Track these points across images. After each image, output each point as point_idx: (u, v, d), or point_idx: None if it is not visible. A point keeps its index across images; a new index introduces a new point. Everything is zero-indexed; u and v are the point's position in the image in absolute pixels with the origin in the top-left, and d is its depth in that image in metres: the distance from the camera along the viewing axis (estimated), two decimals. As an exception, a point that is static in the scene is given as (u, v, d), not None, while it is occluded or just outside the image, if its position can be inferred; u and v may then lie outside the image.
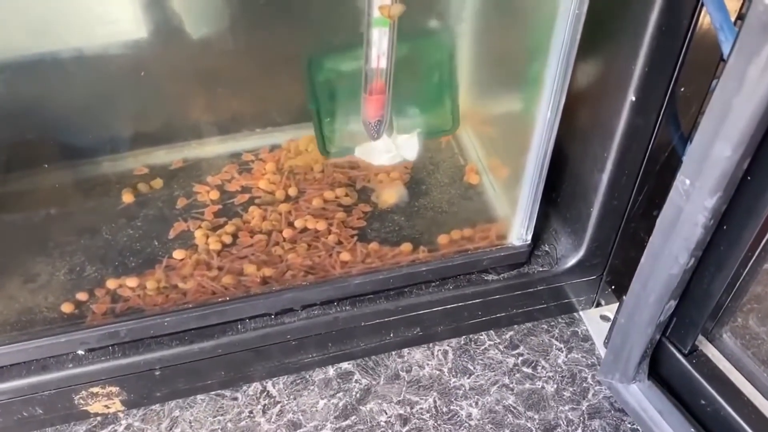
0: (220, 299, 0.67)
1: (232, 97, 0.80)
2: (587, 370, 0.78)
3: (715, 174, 0.49)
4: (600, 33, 0.58)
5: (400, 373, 0.78)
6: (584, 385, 0.77)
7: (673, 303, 0.60)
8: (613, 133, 0.62)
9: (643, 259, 0.59)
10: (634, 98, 0.59)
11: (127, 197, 0.77)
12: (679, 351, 0.66)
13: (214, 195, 0.78)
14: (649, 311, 0.60)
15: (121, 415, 0.74)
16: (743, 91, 0.43)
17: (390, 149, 0.75)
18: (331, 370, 0.78)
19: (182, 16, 0.67)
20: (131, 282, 0.69)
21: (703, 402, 0.64)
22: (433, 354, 0.80)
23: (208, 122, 0.81)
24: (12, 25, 0.65)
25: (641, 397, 0.68)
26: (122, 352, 0.67)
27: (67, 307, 0.67)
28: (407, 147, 0.77)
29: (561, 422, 0.73)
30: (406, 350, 0.80)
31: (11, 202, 0.75)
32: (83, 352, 0.66)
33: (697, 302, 0.61)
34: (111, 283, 0.69)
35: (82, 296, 0.68)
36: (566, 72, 0.56)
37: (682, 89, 0.59)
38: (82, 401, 0.68)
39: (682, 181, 0.52)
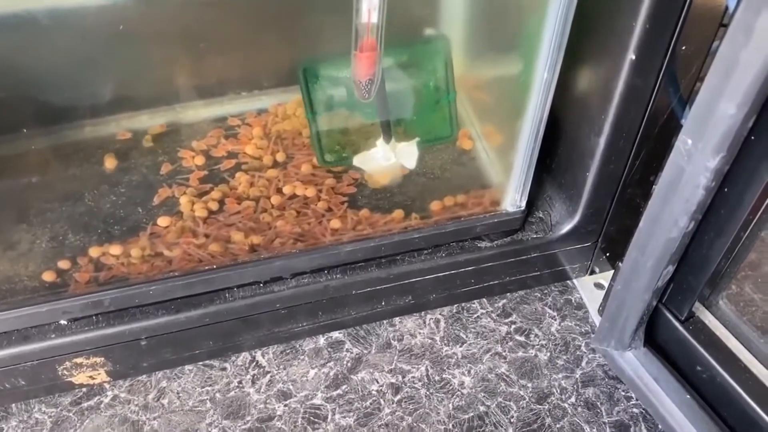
0: (206, 267, 0.66)
1: (218, 59, 0.77)
2: (581, 338, 0.77)
3: (718, 133, 0.47)
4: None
5: (392, 341, 0.77)
6: (578, 353, 0.76)
7: (671, 268, 0.58)
8: (612, 94, 0.60)
9: (641, 223, 0.58)
10: (634, 57, 0.57)
11: (110, 162, 0.74)
12: (676, 317, 0.65)
13: (200, 160, 0.75)
14: (647, 276, 0.59)
15: (107, 386, 0.72)
16: (751, 44, 0.41)
17: (389, 158, 0.74)
18: (321, 340, 0.77)
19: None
20: (115, 250, 0.67)
21: (699, 368, 0.63)
22: (425, 322, 0.79)
23: (192, 85, 0.79)
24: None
25: (637, 364, 0.67)
26: (106, 322, 0.65)
27: (48, 276, 0.65)
28: (406, 155, 0.76)
29: (554, 390, 0.73)
30: (397, 319, 0.79)
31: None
32: (66, 322, 0.65)
33: (695, 268, 0.60)
34: (94, 251, 0.67)
35: (64, 264, 0.66)
36: (564, 28, 0.54)
37: (683, 48, 0.57)
38: (66, 372, 0.67)
39: (683, 141, 0.50)
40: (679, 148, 0.51)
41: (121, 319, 0.65)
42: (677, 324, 0.64)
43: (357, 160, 0.75)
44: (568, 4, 0.53)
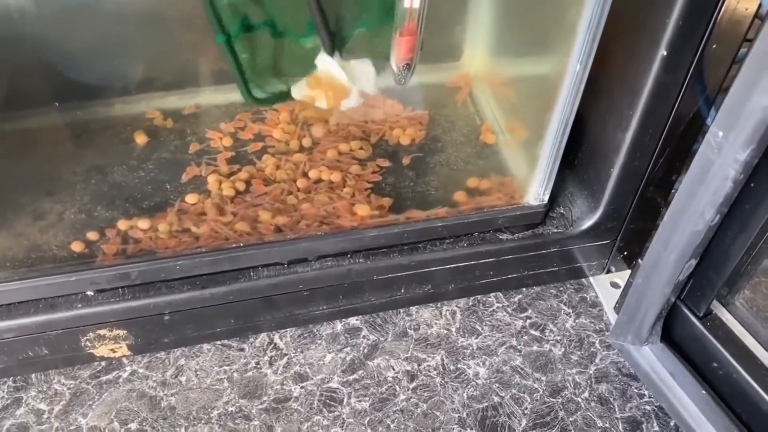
0: (233, 245, 0.66)
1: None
2: (595, 336, 0.78)
3: (750, 126, 0.48)
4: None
5: (408, 330, 0.78)
6: (592, 349, 0.77)
7: (693, 262, 0.59)
8: (641, 90, 0.61)
9: (666, 216, 0.59)
10: (665, 53, 0.58)
11: (140, 139, 0.75)
12: (694, 314, 0.65)
13: (227, 142, 0.76)
14: (669, 270, 0.60)
15: (125, 361, 0.73)
16: (790, 36, 0.42)
17: (338, 74, 0.61)
18: (339, 325, 0.77)
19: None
20: (143, 224, 0.68)
21: (715, 365, 0.64)
22: (441, 313, 0.79)
23: (221, 70, 0.80)
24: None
25: (653, 359, 0.68)
26: (132, 295, 0.66)
27: (77, 246, 0.66)
28: (362, 77, 0.63)
29: (568, 384, 0.73)
30: (414, 309, 0.79)
31: (23, 139, 0.74)
32: (92, 293, 0.65)
33: (716, 264, 0.61)
34: (122, 224, 0.68)
35: (92, 236, 0.67)
36: (600, 21, 0.55)
37: (713, 47, 0.58)
38: (88, 343, 0.67)
39: (714, 133, 0.51)
40: (709, 141, 0.52)
41: (146, 293, 0.66)
42: (695, 320, 0.65)
43: (297, 91, 0.62)
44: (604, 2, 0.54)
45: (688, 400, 0.64)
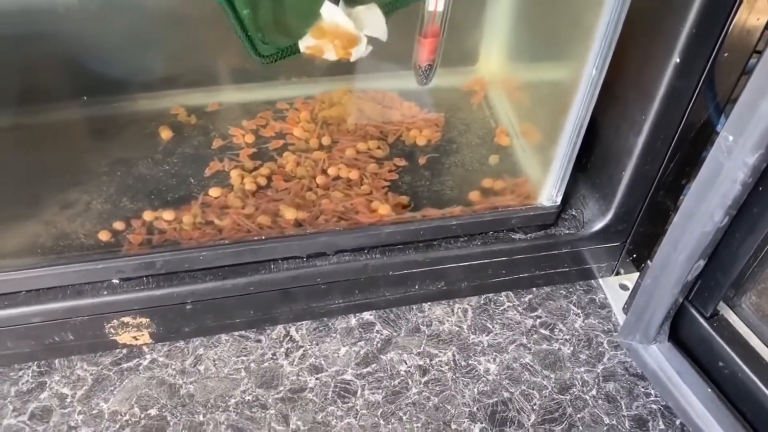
0: (254, 238, 0.69)
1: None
2: (603, 336, 0.80)
3: (759, 131, 0.50)
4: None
5: (421, 326, 0.79)
6: (600, 349, 0.78)
7: (701, 262, 0.61)
8: (654, 95, 0.63)
9: (676, 218, 0.61)
10: (678, 60, 0.60)
11: (165, 134, 0.78)
12: (701, 314, 0.67)
13: (249, 138, 0.79)
14: (678, 270, 0.62)
15: (146, 349, 0.75)
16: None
17: (345, 22, 0.58)
18: (353, 320, 0.79)
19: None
20: (168, 215, 0.70)
21: (721, 364, 0.66)
22: (453, 311, 0.81)
23: (244, 69, 0.82)
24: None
25: (660, 357, 0.69)
26: (156, 284, 0.68)
27: (104, 235, 0.68)
28: (369, 22, 0.60)
29: (576, 382, 0.75)
30: (426, 306, 0.81)
31: (52, 131, 0.76)
32: (118, 281, 0.67)
33: (724, 265, 0.63)
34: (148, 215, 0.70)
35: (118, 225, 0.69)
36: (617, 27, 0.57)
37: (725, 55, 0.60)
38: (112, 330, 0.69)
39: (725, 137, 0.53)
40: (719, 144, 0.54)
41: (170, 282, 0.68)
42: (702, 321, 0.67)
43: (304, 43, 0.59)
44: (622, 4, 0.56)
45: (694, 398, 0.66)
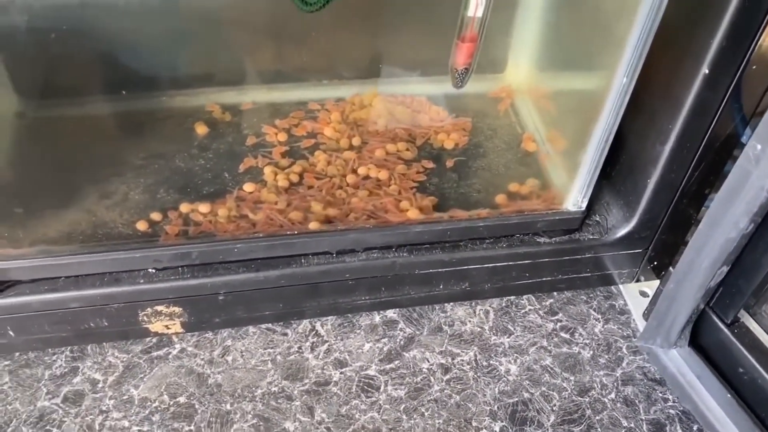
0: (287, 233, 0.70)
1: (304, 49, 0.83)
2: (622, 341, 0.81)
3: (788, 140, 0.52)
4: (682, 4, 0.61)
5: (443, 326, 0.81)
6: (619, 354, 0.80)
7: (725, 269, 0.63)
8: (682, 105, 0.65)
9: (701, 224, 0.62)
10: (707, 71, 0.61)
11: (200, 130, 0.80)
12: (721, 320, 0.69)
13: (282, 137, 0.81)
14: (702, 275, 0.63)
15: (175, 339, 0.77)
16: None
17: None
18: (377, 317, 0.81)
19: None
20: (203, 208, 0.72)
21: (741, 370, 0.67)
22: (475, 312, 0.83)
23: (278, 70, 0.85)
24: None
25: (680, 361, 0.71)
26: (191, 274, 0.70)
27: (141, 225, 0.70)
28: None
29: (595, 385, 0.76)
30: (449, 306, 0.83)
31: (92, 123, 0.79)
32: (154, 270, 0.69)
33: (747, 272, 0.64)
34: (184, 207, 0.72)
35: (156, 216, 0.71)
36: (649, 36, 0.59)
37: (753, 68, 0.62)
38: (145, 318, 0.71)
39: (753, 146, 0.55)
40: (747, 153, 0.55)
41: (204, 273, 0.70)
42: (722, 327, 0.68)
43: None
44: (655, 14, 0.58)
45: (713, 402, 0.68)
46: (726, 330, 0.68)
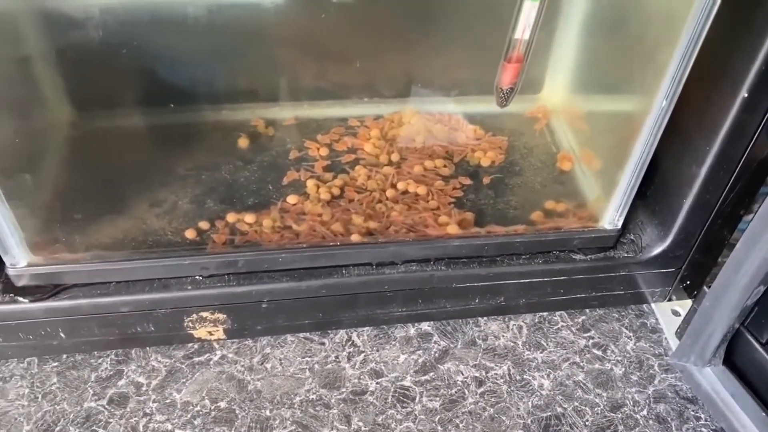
0: (330, 244, 0.73)
1: (345, 68, 0.86)
2: (654, 359, 0.82)
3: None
4: (722, 29, 0.62)
5: (477, 340, 0.83)
6: (651, 371, 0.81)
7: (762, 288, 0.64)
8: (719, 127, 0.66)
9: (738, 244, 0.63)
10: (746, 95, 0.63)
11: (245, 143, 0.83)
12: (756, 340, 0.70)
13: (324, 152, 0.83)
14: (738, 294, 0.65)
15: (216, 345, 0.79)
16: None
17: None
18: (411, 330, 0.83)
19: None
20: (249, 218, 0.74)
21: (775, 390, 0.68)
22: (508, 327, 0.84)
23: (319, 88, 0.87)
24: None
25: (714, 379, 0.72)
26: (237, 282, 0.72)
27: (190, 233, 0.73)
28: None
29: (627, 402, 0.77)
30: (483, 321, 0.84)
31: (144, 135, 0.82)
32: (201, 277, 0.72)
33: (783, 293, 0.65)
34: (230, 217, 0.75)
35: (203, 225, 0.74)
36: (689, 61, 0.61)
37: (792, 91, 0.64)
38: (190, 324, 0.73)
39: (793, 168, 0.56)
40: (788, 175, 0.57)
41: (249, 281, 0.72)
42: (757, 346, 0.69)
43: None
44: (696, 41, 0.60)
45: (748, 421, 0.68)
46: (761, 349, 0.69)
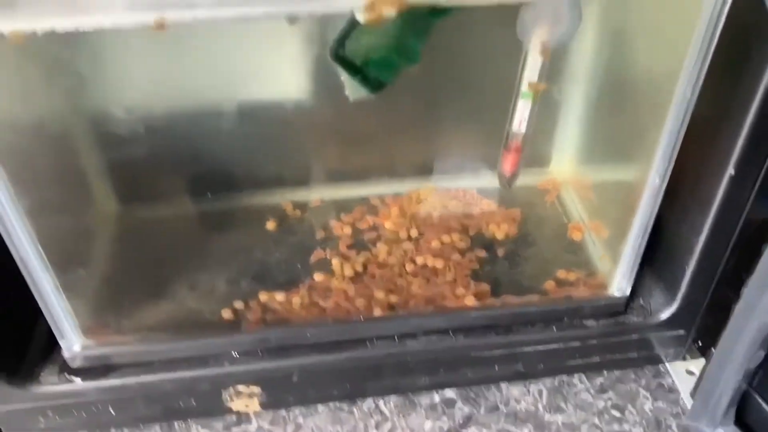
0: (354, 318, 0.78)
1: (366, 151, 0.94)
2: (672, 419, 0.85)
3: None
4: (705, 112, 0.68)
5: (499, 405, 0.86)
6: (669, 431, 0.84)
7: (762, 353, 0.67)
8: (711, 201, 0.71)
9: (737, 309, 0.67)
10: (733, 172, 0.68)
11: (275, 226, 0.90)
12: (764, 400, 0.73)
13: (347, 230, 0.90)
14: (740, 358, 0.68)
15: (252, 416, 0.84)
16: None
17: None
18: (436, 396, 0.87)
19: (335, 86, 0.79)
20: (280, 297, 0.81)
21: (785, 449, 0.71)
22: (528, 391, 0.88)
23: (342, 169, 0.95)
24: (202, 82, 0.81)
25: (726, 440, 0.75)
26: (269, 356, 0.78)
27: (226, 313, 0.79)
28: None
29: (647, 462, 0.80)
30: (504, 385, 0.88)
31: (181, 223, 0.89)
32: (236, 354, 0.78)
33: (784, 355, 0.69)
34: (263, 296, 0.81)
35: (238, 305, 0.80)
36: (675, 146, 0.66)
37: (778, 166, 0.68)
38: (228, 397, 0.79)
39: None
40: (777, 241, 0.61)
41: (280, 355, 0.78)
42: (765, 407, 0.72)
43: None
44: (680, 126, 0.65)
45: (760, 480, 0.71)
46: (769, 410, 0.72)
